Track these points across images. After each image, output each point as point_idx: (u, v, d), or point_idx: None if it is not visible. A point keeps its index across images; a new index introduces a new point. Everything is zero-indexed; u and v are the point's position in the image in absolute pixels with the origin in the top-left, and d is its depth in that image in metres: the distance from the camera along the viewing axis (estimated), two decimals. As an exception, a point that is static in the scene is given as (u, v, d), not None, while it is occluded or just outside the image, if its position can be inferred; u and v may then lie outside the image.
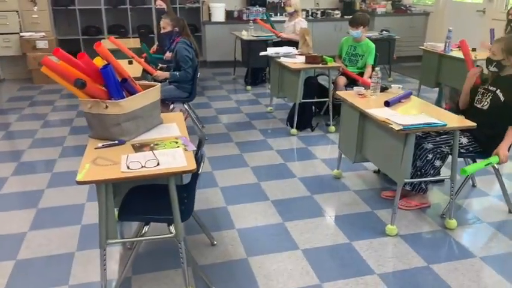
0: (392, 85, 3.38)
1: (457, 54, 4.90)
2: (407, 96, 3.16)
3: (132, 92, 2.41)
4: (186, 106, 4.32)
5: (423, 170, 2.88)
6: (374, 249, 2.62)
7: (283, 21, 6.60)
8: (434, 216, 2.98)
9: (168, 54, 5.25)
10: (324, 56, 4.47)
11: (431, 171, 2.88)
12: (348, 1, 8.24)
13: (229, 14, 7.73)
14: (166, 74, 4.04)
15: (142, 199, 2.33)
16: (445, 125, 2.58)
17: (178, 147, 2.26)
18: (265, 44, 6.11)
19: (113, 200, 2.09)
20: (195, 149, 2.24)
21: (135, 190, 2.38)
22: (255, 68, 6.41)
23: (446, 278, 2.36)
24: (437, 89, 5.43)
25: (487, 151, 2.87)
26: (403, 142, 2.61)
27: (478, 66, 3.10)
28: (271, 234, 2.78)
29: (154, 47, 5.71)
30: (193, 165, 2.03)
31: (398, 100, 3.06)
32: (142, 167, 2.01)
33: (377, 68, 3.26)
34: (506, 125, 2.79)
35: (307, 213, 3.02)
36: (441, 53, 5.03)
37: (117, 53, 3.97)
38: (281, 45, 5.38)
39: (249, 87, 6.33)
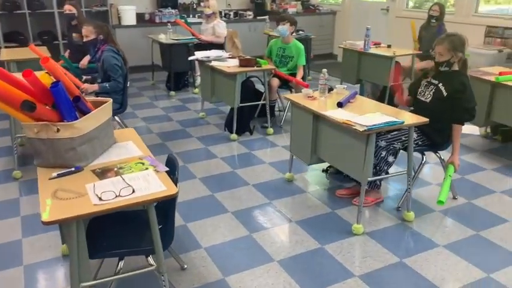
0: (336, 85, 3.44)
1: (376, 51, 5.19)
2: (354, 96, 3.23)
3: (84, 111, 2.12)
4: (117, 118, 3.98)
5: (378, 167, 2.96)
6: (347, 251, 2.63)
7: (199, 23, 6.46)
8: (390, 210, 3.09)
9: (84, 62, 4.83)
10: (258, 59, 4.43)
11: (385, 167, 2.98)
12: (259, 2, 8.31)
13: (140, 17, 7.35)
14: (95, 87, 3.68)
15: (110, 230, 2.07)
16: (403, 122, 2.67)
17: (147, 168, 2.05)
18: (186, 47, 5.91)
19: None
20: (167, 169, 2.05)
21: (96, 220, 2.10)
22: (177, 72, 6.17)
23: (421, 271, 2.44)
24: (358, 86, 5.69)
25: (434, 144, 3.05)
26: (365, 142, 2.65)
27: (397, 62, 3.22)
28: (241, 248, 2.66)
29: (66, 55, 5.22)
30: (173, 189, 1.85)
31: (348, 100, 3.11)
32: (116, 196, 1.78)
33: (324, 70, 3.29)
34: (449, 119, 2.97)
35: (271, 221, 2.95)
36: (361, 50, 5.27)
37: (33, 64, 3.54)
38: (202, 48, 5.23)
39: (172, 93, 6.07)
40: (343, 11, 8.20)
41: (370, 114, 2.78)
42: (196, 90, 6.11)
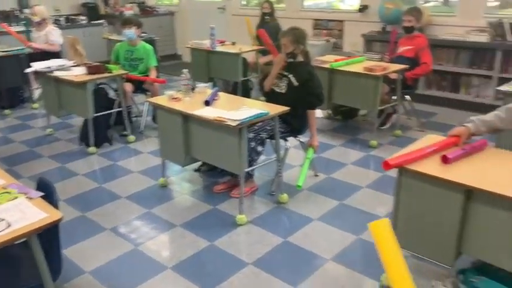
0: (198, 85, 3.49)
1: (223, 49, 5.39)
2: (217, 93, 3.32)
3: None
4: None
5: (250, 158, 3.11)
6: (236, 242, 2.72)
7: (27, 31, 5.85)
8: (265, 196, 3.28)
9: None
10: (107, 65, 4.20)
11: (256, 157, 3.15)
12: (91, 5, 7.84)
13: None
14: None
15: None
16: (268, 113, 2.85)
17: (16, 197, 1.81)
18: (17, 59, 5.27)
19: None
20: (42, 193, 1.84)
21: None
22: (10, 88, 5.46)
23: (304, 245, 2.67)
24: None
25: (294, 130, 3.32)
26: (238, 136, 2.76)
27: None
28: (130, 263, 2.54)
29: None
30: (56, 213, 1.69)
31: (213, 98, 3.18)
32: (-11, 235, 1.54)
33: (185, 70, 3.29)
34: (304, 106, 3.27)
35: (155, 229, 2.87)
36: (208, 49, 5.40)
37: None
38: (38, 59, 4.73)
39: (7, 111, 5.35)
40: (180, 11, 8.26)
41: (240, 109, 2.90)
42: (36, 105, 5.51)
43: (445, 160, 2.00)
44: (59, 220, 1.66)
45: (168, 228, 2.89)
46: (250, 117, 2.73)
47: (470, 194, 1.86)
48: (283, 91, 3.31)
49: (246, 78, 5.51)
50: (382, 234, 1.09)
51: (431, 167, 1.97)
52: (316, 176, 3.57)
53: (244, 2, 7.57)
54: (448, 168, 1.96)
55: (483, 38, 4.84)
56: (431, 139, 2.25)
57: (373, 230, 1.11)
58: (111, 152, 4.14)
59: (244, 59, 5.38)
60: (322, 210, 3.06)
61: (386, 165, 1.99)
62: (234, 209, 3.05)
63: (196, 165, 3.62)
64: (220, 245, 2.69)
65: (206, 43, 5.46)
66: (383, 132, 4.44)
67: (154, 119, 4.76)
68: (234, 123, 2.66)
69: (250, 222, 2.93)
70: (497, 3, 5.46)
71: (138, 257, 2.59)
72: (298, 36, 3.23)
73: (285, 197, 3.17)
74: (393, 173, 2.13)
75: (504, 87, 3.35)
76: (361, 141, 4.28)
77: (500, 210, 1.79)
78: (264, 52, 5.69)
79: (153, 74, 4.56)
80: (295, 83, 3.26)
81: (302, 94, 3.24)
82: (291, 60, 3.28)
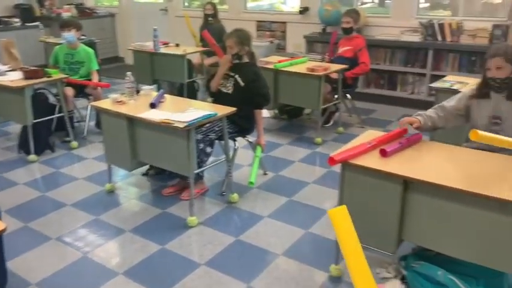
0: (143, 87, 3.45)
1: (167, 50, 5.35)
2: (162, 95, 3.30)
3: None
4: None
5: (199, 159, 3.12)
6: (187, 244, 2.73)
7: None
8: (216, 196, 3.30)
9: None
10: (45, 69, 4.04)
11: (205, 158, 3.17)
12: (25, 7, 7.47)
13: None
14: None
15: None
16: (216, 114, 2.88)
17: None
18: None
19: None
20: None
21: None
22: None
23: (256, 242, 2.72)
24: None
25: (242, 129, 3.37)
26: (186, 138, 2.76)
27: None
28: (79, 272, 2.48)
29: None
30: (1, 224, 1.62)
31: (158, 100, 3.16)
32: None
33: (128, 73, 3.24)
34: (251, 106, 3.32)
35: (104, 236, 2.81)
36: (151, 51, 5.34)
37: None
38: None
39: None
40: (121, 13, 8.07)
41: (187, 111, 2.90)
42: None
43: (383, 153, 2.13)
44: (2, 231, 1.60)
45: (117, 234, 2.84)
46: (198, 118, 2.74)
47: (407, 184, 2.00)
48: (229, 91, 3.35)
49: (191, 80, 5.50)
50: (341, 220, 1.15)
51: (372, 161, 2.09)
52: (265, 174, 3.64)
53: (187, 4, 7.53)
54: (387, 161, 2.09)
55: (416, 38, 5.14)
56: (371, 134, 2.38)
57: (332, 217, 1.17)
58: (53, 159, 3.99)
59: (189, 61, 5.37)
60: (272, 207, 3.13)
61: (332, 161, 2.08)
62: (184, 212, 3.04)
63: (144, 169, 3.58)
64: (171, 247, 2.69)
65: (149, 45, 5.39)
66: (327, 129, 4.61)
67: (98, 124, 4.64)
68: (181, 125, 2.66)
69: (202, 224, 2.94)
70: (428, 5, 5.82)
71: (87, 265, 2.53)
72: (242, 37, 3.29)
73: (235, 196, 3.21)
74: (338, 168, 2.23)
75: (436, 84, 3.60)
76: (307, 139, 4.41)
77: (435, 199, 1.94)
78: (208, 53, 5.71)
79: (95, 78, 4.44)
80: (242, 83, 3.31)
81: (248, 94, 3.30)
82: (237, 61, 3.32)
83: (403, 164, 2.06)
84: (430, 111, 2.50)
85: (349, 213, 2.19)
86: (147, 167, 3.58)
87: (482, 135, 1.85)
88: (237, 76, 3.33)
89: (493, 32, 4.72)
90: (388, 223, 2.08)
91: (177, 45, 5.61)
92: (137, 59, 5.57)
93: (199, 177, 3.28)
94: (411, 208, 2.02)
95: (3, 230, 1.60)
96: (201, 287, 2.34)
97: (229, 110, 3.01)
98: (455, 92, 3.22)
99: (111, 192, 3.37)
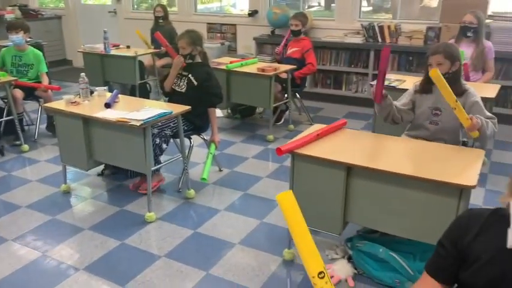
0: (96, 88, 3.48)
1: (118, 52, 5.36)
2: (117, 95, 3.35)
3: None
4: None
5: (154, 154, 3.20)
6: (146, 238, 2.81)
7: None
8: (173, 193, 3.40)
9: None
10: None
11: (159, 153, 3.26)
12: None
13: None
14: None
15: None
16: (172, 112, 2.99)
17: None
18: None
19: None
20: None
21: None
22: None
23: (213, 234, 2.85)
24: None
25: (197, 127, 3.49)
26: (142, 136, 2.85)
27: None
28: (39, 271, 2.50)
29: None
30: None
31: (113, 100, 3.22)
32: None
33: (82, 74, 3.28)
34: (205, 105, 3.45)
35: (62, 234, 2.84)
36: (102, 53, 5.33)
37: None
38: None
39: None
40: (68, 15, 7.92)
41: (142, 109, 2.98)
42: None
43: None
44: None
45: (75, 232, 2.87)
46: (153, 116, 2.84)
47: (350, 170, 2.20)
48: (183, 90, 3.46)
49: (143, 81, 5.54)
50: (287, 203, 1.28)
51: (318, 150, 2.29)
52: (221, 170, 3.77)
53: (136, 6, 7.52)
54: (332, 150, 2.29)
55: (358, 40, 5.46)
56: (316, 127, 2.59)
57: (280, 201, 1.29)
58: (3, 162, 3.92)
59: (140, 62, 5.41)
60: (228, 201, 3.27)
61: (279, 151, 2.26)
62: (142, 208, 3.12)
63: (99, 169, 3.61)
64: (131, 242, 2.76)
65: (100, 47, 5.38)
66: (278, 127, 4.81)
67: (48, 126, 4.59)
68: (138, 123, 2.74)
69: (160, 219, 3.03)
70: (369, 9, 6.19)
71: (46, 264, 2.56)
72: (195, 38, 3.41)
73: (191, 192, 3.32)
74: (289, 162, 2.40)
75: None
76: (259, 136, 4.59)
77: (374, 182, 2.16)
78: (159, 55, 5.77)
79: (45, 80, 4.39)
80: (195, 83, 3.43)
81: (202, 93, 3.42)
82: (190, 61, 3.44)
83: (346, 153, 2.27)
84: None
85: (299, 200, 2.37)
86: (101, 167, 3.62)
87: (439, 76, 2.24)
88: (190, 76, 3.45)
89: (427, 33, 5.12)
90: (334, 206, 2.28)
91: (128, 47, 5.64)
92: (87, 61, 5.54)
93: (156, 170, 3.35)
94: (353, 192, 2.23)
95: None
96: (162, 277, 2.45)
97: (183, 108, 3.12)
98: (395, 88, 3.53)
99: (67, 192, 3.38)
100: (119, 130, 2.92)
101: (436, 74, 2.25)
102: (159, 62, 5.79)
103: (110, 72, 5.41)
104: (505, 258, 1.18)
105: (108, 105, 3.09)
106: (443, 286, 1.35)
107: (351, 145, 2.40)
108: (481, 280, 1.23)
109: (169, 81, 3.51)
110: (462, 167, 2.11)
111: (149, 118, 2.80)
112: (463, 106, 2.41)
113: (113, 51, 5.36)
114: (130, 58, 5.17)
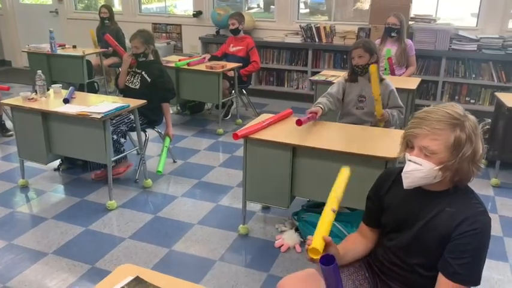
0: (52, 85, 3.60)
1: (65, 52, 5.41)
2: (73, 92, 3.49)
3: None
4: None
5: (115, 148, 3.39)
6: (110, 224, 3.01)
7: None
8: (131, 183, 3.59)
9: None
10: None
11: (121, 148, 3.46)
12: None
13: None
14: None
15: None
16: (129, 106, 3.20)
17: None
18: None
19: None
20: None
21: None
22: None
23: (173, 217, 3.10)
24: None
25: (151, 121, 3.72)
26: (102, 128, 3.04)
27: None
28: (6, 257, 2.62)
29: None
30: None
31: (70, 96, 3.36)
32: None
33: (39, 71, 3.39)
34: (158, 100, 3.67)
35: (26, 224, 2.97)
36: (48, 53, 5.36)
37: None
38: None
39: None
40: (5, 15, 7.73)
41: (101, 103, 3.17)
42: None
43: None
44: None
45: (39, 221, 3.01)
46: (112, 110, 3.04)
47: (295, 150, 2.55)
48: (137, 87, 3.67)
49: (91, 80, 5.62)
50: (344, 173, 1.66)
51: (268, 135, 2.62)
52: (175, 162, 4.01)
53: (79, 7, 7.51)
54: (279, 134, 2.63)
55: (298, 40, 5.89)
56: (264, 116, 2.92)
57: (342, 170, 1.68)
58: (-47, 162, 3.92)
59: (88, 61, 5.50)
60: (184, 188, 3.53)
61: (235, 136, 2.56)
62: (102, 198, 3.30)
63: (55, 164, 3.72)
64: (95, 228, 2.95)
65: (46, 47, 5.41)
66: (227, 122, 5.11)
67: (-1, 127, 4.59)
68: (99, 116, 2.93)
69: (121, 207, 3.23)
70: (307, 11, 6.65)
71: (13, 251, 2.68)
72: (147, 37, 3.64)
73: (149, 182, 3.54)
74: (239, 152, 2.72)
75: (314, 77, 4.29)
76: (210, 130, 4.86)
77: (315, 159, 2.52)
78: (106, 55, 5.87)
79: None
80: (148, 79, 3.65)
81: (155, 89, 3.65)
82: (143, 59, 3.66)
83: (292, 137, 2.61)
84: (322, 99, 3.09)
85: (253, 180, 2.71)
86: (57, 162, 3.73)
87: (375, 72, 2.84)
88: (143, 73, 3.67)
89: (358, 33, 5.64)
90: (282, 183, 2.62)
91: (74, 46, 5.69)
92: (33, 61, 5.53)
93: (121, 158, 3.54)
94: (298, 169, 2.58)
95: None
96: (129, 255, 2.66)
97: (139, 102, 3.33)
98: (330, 83, 3.94)
99: (25, 187, 3.48)
100: (79, 124, 3.08)
101: (373, 69, 2.85)
102: (107, 62, 5.89)
103: (56, 72, 5.45)
104: (407, 203, 1.56)
105: (66, 101, 3.24)
106: (374, 230, 1.72)
107: (295, 131, 2.75)
108: (392, 220, 1.61)
109: (122, 78, 3.71)
110: (386, 144, 2.53)
111: (109, 111, 3.00)
112: (383, 92, 2.88)
113: (60, 51, 5.41)
114: (78, 58, 5.25)
